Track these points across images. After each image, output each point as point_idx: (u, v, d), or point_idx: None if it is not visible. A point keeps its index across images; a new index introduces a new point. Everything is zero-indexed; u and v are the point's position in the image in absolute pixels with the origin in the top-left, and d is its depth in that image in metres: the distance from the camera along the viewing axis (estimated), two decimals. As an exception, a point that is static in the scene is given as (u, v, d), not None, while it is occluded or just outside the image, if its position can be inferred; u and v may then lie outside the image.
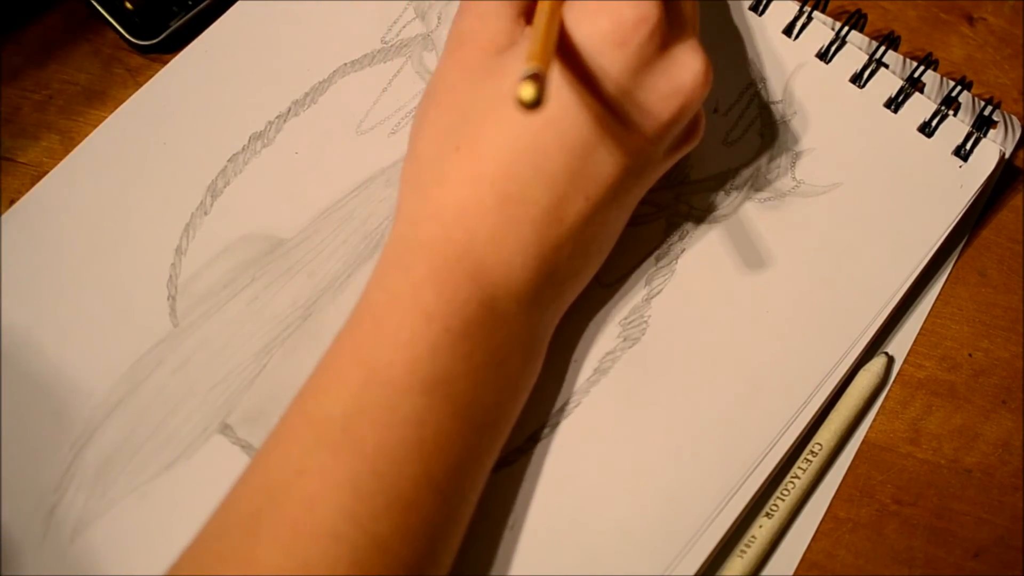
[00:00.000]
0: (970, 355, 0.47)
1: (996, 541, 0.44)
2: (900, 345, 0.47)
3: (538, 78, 0.32)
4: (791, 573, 0.43)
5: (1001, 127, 0.49)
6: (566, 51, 0.37)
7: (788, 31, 0.50)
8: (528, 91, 0.32)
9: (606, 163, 0.38)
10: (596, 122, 0.38)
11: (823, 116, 0.49)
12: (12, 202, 0.46)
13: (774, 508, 0.43)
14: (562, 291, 0.40)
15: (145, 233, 0.45)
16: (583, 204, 0.38)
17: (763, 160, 0.48)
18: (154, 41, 0.49)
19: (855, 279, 0.46)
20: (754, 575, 0.42)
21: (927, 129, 0.48)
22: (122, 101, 0.48)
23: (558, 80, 0.37)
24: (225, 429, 0.42)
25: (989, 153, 0.48)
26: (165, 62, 0.49)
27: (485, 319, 0.37)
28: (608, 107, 0.38)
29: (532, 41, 0.35)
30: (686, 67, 0.39)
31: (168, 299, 0.44)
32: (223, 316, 0.44)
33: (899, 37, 0.50)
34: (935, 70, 0.50)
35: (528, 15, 0.40)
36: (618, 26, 0.37)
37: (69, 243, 0.45)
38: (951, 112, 0.49)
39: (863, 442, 0.45)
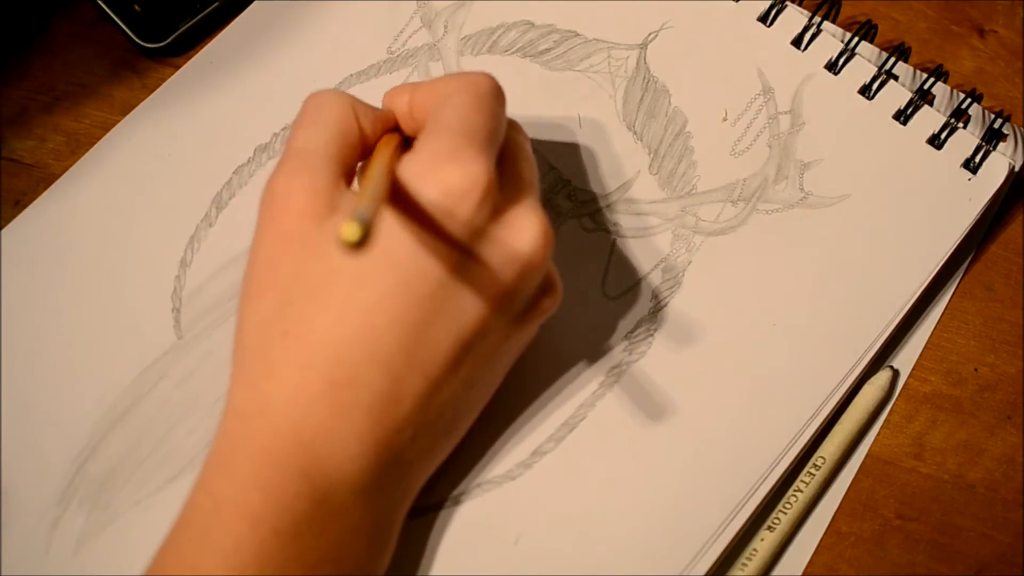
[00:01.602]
0: (976, 370, 0.47)
1: (999, 557, 0.44)
2: (906, 359, 0.47)
3: (362, 219, 0.30)
4: None
5: (1011, 140, 0.49)
6: (393, 223, 0.35)
7: (797, 42, 0.50)
8: (352, 230, 0.30)
9: (443, 340, 0.36)
10: (428, 298, 0.35)
11: (831, 127, 0.48)
12: (17, 203, 0.46)
13: (776, 521, 0.43)
14: (408, 473, 0.38)
15: (150, 245, 0.45)
16: (422, 383, 0.36)
17: (770, 171, 0.48)
18: (162, 44, 0.49)
19: (862, 291, 0.46)
20: None
21: (936, 141, 0.48)
22: (129, 104, 0.48)
23: (384, 257, 0.35)
24: (229, 442, 0.42)
25: (999, 166, 0.48)
26: (173, 65, 0.49)
27: (317, 515, 0.35)
28: (440, 281, 0.36)
29: (363, 185, 0.34)
30: (523, 231, 0.37)
31: (172, 311, 0.44)
32: (227, 328, 0.44)
33: (909, 48, 0.50)
34: (945, 82, 0.49)
35: (349, 177, 0.38)
36: (446, 195, 0.35)
37: (73, 255, 0.45)
38: (961, 125, 0.48)
39: (867, 456, 0.45)
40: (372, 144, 0.39)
